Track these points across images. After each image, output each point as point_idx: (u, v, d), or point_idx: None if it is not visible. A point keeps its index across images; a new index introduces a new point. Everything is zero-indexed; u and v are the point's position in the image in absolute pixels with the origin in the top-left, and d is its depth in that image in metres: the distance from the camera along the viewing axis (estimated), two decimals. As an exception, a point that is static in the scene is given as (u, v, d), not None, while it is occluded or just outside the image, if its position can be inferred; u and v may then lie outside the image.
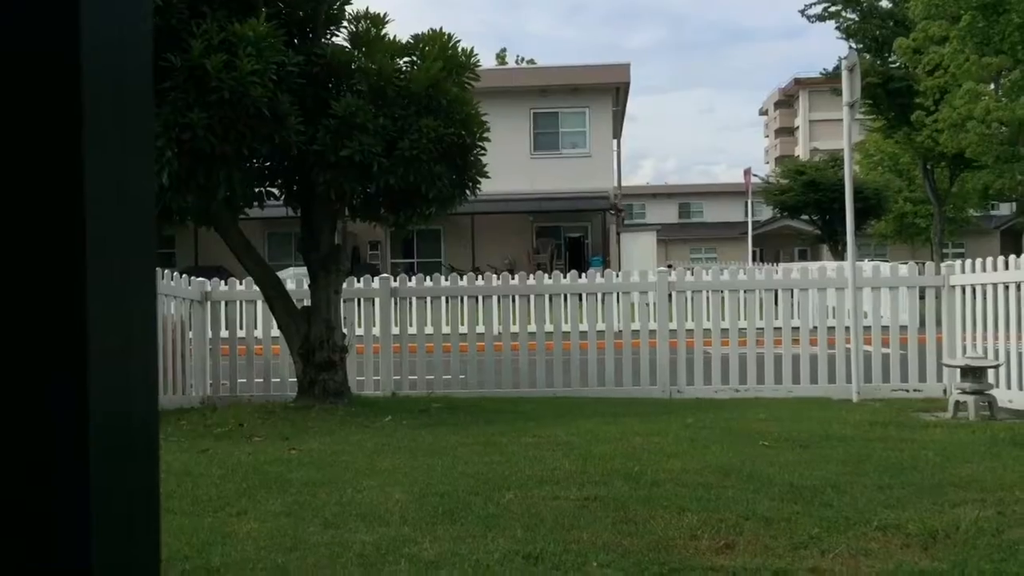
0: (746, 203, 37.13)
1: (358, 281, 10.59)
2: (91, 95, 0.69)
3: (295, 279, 10.64)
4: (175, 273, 9.77)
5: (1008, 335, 8.63)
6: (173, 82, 6.82)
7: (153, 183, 0.82)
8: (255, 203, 8.45)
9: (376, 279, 10.62)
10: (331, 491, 4.96)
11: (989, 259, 9.09)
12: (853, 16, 31.86)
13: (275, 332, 9.63)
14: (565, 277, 10.52)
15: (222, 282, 10.36)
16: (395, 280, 10.51)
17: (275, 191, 8.78)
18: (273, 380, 10.02)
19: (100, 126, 0.71)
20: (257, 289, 9.35)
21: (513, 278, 10.51)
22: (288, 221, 9.99)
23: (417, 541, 3.99)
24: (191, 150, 6.92)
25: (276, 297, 8.94)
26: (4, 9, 0.68)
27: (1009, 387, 8.51)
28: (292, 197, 8.81)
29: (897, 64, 30.41)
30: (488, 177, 9.04)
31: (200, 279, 10.33)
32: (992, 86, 26.54)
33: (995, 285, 8.83)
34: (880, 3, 31.70)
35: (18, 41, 0.68)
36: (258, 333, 10.48)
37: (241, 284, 10.29)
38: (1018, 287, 8.51)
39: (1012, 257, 8.76)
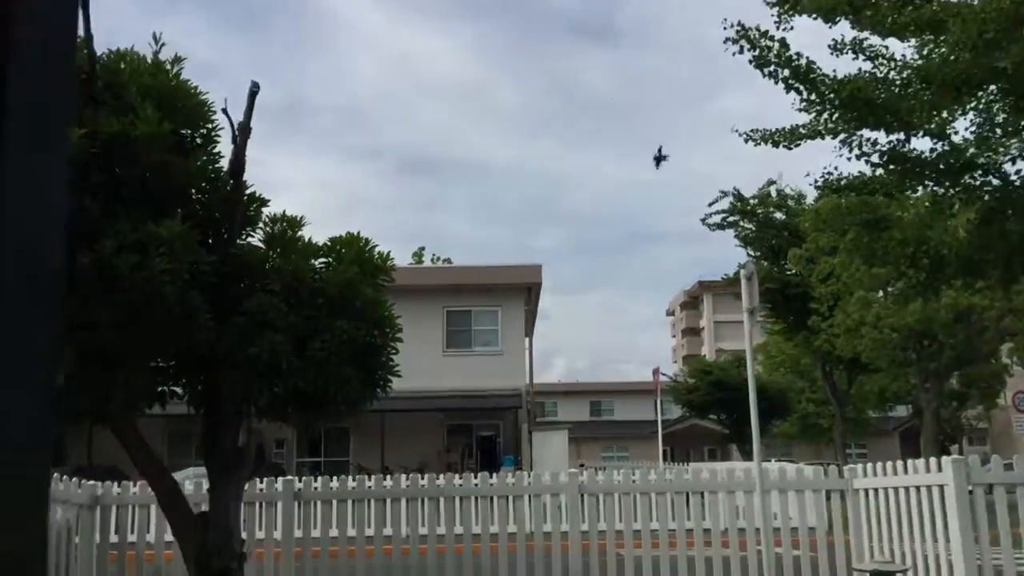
0: (655, 402, 37.69)
1: (261, 483, 10.22)
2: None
3: (195, 480, 10.20)
4: (64, 476, 9.29)
5: (912, 538, 8.74)
6: (79, 280, 6.75)
7: (53, 389, 0.81)
8: (156, 403, 8.22)
9: (279, 481, 10.27)
10: None
11: (889, 463, 9.32)
12: (750, 226, 33.88)
13: (169, 537, 9.13)
14: (476, 477, 10.36)
15: (115, 485, 9.87)
16: (299, 482, 10.17)
17: (178, 390, 8.57)
18: (164, 590, 9.40)
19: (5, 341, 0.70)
20: (152, 493, 8.93)
21: (423, 479, 10.30)
22: (190, 419, 9.69)
23: None
24: (91, 349, 6.77)
25: (171, 502, 8.54)
26: None
27: (917, 592, 8.53)
28: (196, 397, 8.59)
29: (792, 271, 32.15)
30: (399, 376, 9.02)
31: (92, 483, 9.83)
32: (881, 294, 28.17)
33: (896, 489, 9.02)
34: (774, 215, 33.84)
35: None
36: (151, 538, 9.91)
37: (135, 487, 9.81)
38: (917, 490, 8.70)
39: (910, 461, 9.01)
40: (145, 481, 9.10)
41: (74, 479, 9.45)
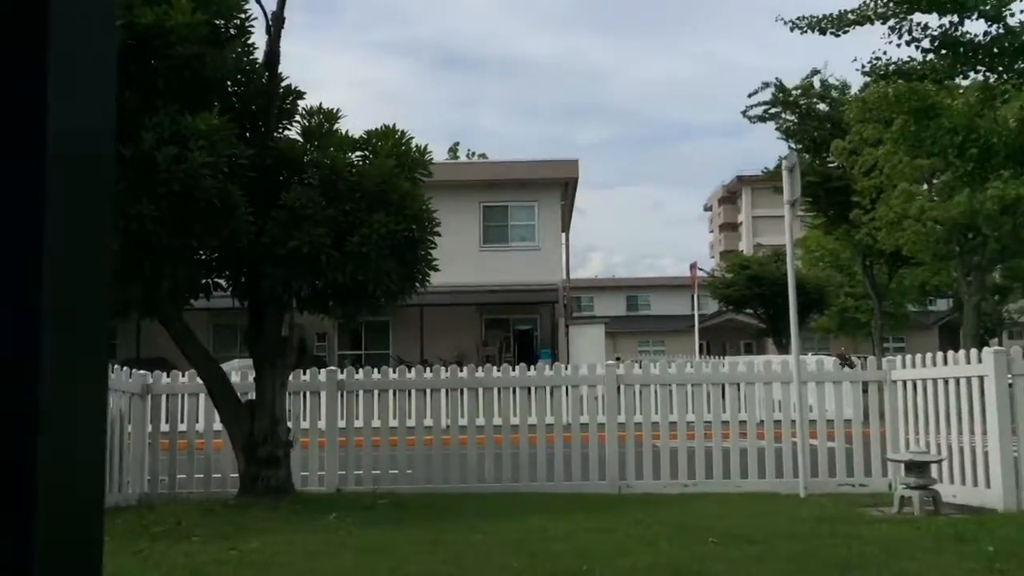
0: (692, 297, 37.69)
1: (304, 374, 10.46)
2: (53, 189, 0.70)
3: (240, 371, 10.46)
4: (115, 365, 9.55)
5: (949, 430, 8.77)
6: (123, 173, 6.80)
7: (107, 275, 0.82)
8: (201, 295, 8.37)
9: (323, 372, 10.49)
10: (271, 594, 4.79)
11: (928, 354, 9.29)
12: (792, 118, 33.05)
13: (218, 426, 9.42)
14: (514, 370, 10.50)
15: (164, 375, 10.15)
16: (342, 373, 10.39)
17: (222, 282, 8.71)
18: (214, 476, 9.75)
19: (59, 219, 0.71)
20: (200, 382, 9.18)
21: (462, 371, 10.46)
22: (234, 312, 9.88)
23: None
24: (137, 241, 6.87)
25: (219, 390, 8.78)
26: None
27: (952, 482, 8.60)
28: (239, 289, 8.74)
29: (835, 164, 31.48)
30: (438, 270, 9.09)
31: (141, 372, 10.12)
32: (925, 186, 27.57)
33: (935, 380, 9.01)
34: (818, 106, 32.96)
35: None
36: (200, 427, 10.23)
37: (184, 376, 10.09)
38: (956, 383, 8.69)
39: (950, 353, 8.97)
40: (193, 371, 9.34)
41: (124, 369, 9.72)
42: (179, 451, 9.97)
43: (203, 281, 8.45)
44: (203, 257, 8.41)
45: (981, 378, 8.37)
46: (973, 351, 8.68)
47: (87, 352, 0.76)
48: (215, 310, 14.47)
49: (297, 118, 8.89)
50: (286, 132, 8.85)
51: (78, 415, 0.74)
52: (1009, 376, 8.27)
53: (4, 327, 0.68)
